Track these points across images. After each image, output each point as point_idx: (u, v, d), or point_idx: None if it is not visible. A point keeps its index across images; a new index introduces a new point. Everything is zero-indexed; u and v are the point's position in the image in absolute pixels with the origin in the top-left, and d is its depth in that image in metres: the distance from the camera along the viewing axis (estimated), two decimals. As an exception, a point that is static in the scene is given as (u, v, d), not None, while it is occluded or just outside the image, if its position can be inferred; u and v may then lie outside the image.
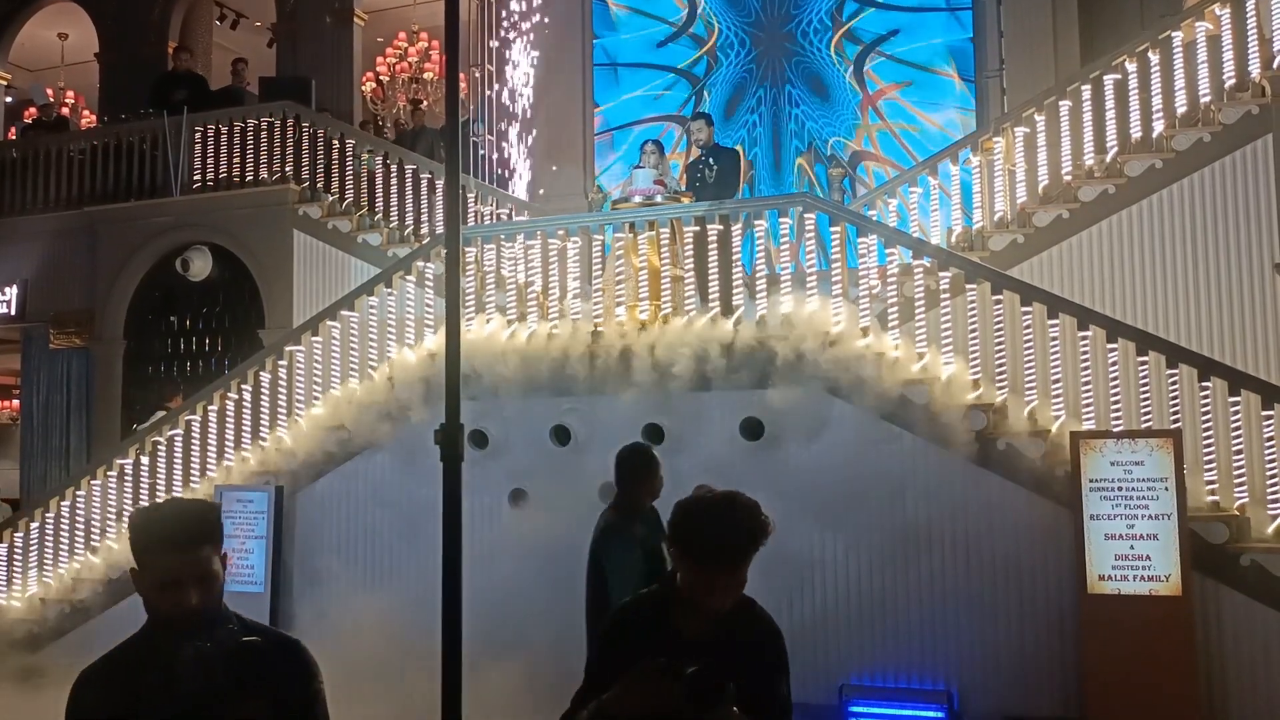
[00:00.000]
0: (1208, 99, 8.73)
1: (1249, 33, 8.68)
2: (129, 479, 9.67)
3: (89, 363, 12.52)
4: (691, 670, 2.49)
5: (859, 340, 7.63)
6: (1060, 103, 9.11)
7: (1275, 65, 8.53)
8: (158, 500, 9.10)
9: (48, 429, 12.66)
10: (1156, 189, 8.78)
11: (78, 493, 9.83)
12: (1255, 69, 8.64)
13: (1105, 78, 8.99)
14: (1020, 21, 11.50)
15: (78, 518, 9.80)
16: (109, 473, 9.75)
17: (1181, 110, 8.82)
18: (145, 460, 9.64)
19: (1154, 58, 8.86)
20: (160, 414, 10.70)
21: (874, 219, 9.02)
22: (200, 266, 11.93)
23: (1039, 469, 7.08)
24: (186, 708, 2.30)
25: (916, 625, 7.22)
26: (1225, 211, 8.62)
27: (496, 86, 12.59)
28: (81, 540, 9.77)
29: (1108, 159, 8.98)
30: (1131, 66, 8.95)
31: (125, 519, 9.56)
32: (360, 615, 7.60)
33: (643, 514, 5.44)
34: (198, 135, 12.18)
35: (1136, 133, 8.90)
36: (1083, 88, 9.05)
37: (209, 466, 9.47)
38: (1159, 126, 8.83)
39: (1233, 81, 8.71)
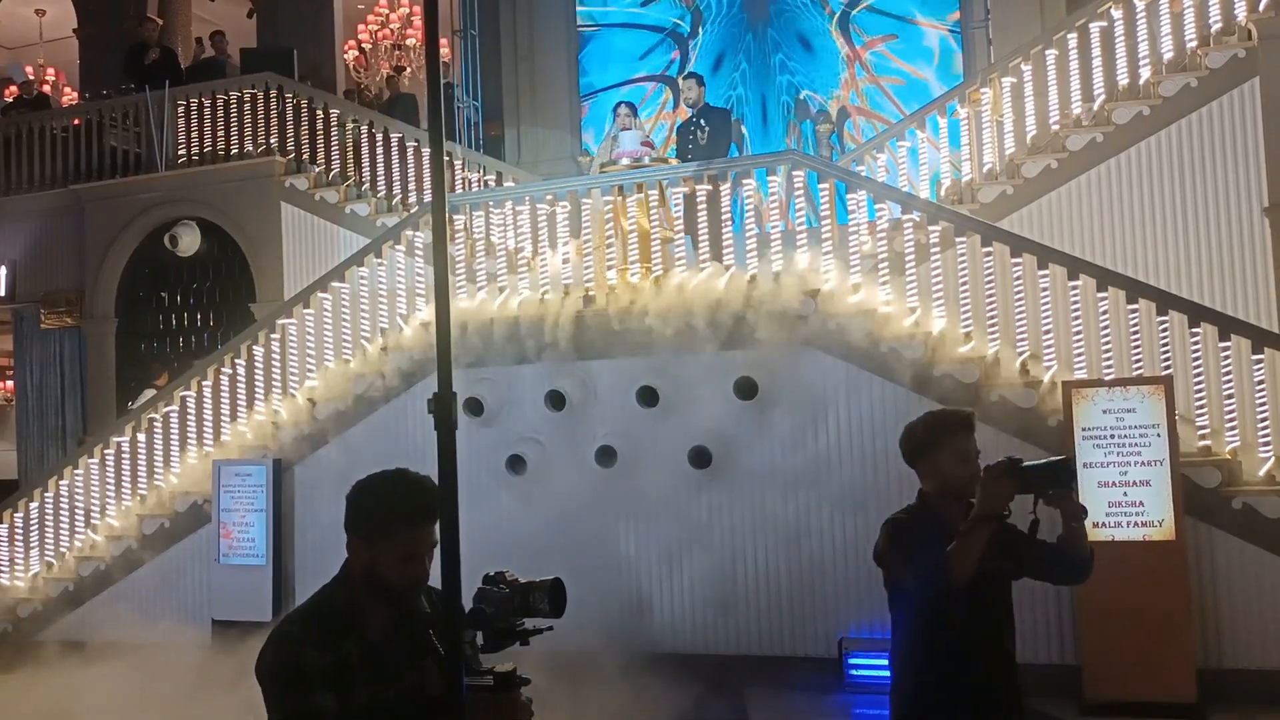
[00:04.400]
0: (1194, 44, 8.70)
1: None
2: (126, 457, 9.70)
3: (81, 342, 12.50)
4: (1054, 461, 3.29)
5: (850, 296, 7.65)
6: (1046, 52, 9.07)
7: (1261, 8, 8.49)
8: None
9: (43, 409, 12.66)
10: (1144, 136, 8.76)
11: (75, 472, 9.86)
12: (1241, 12, 8.60)
13: (1091, 25, 8.95)
14: (1005, -30, 11.40)
15: (77, 497, 9.84)
16: (106, 451, 9.77)
17: (1168, 56, 8.79)
18: (142, 438, 9.66)
19: (1139, 4, 8.81)
20: (149, 392, 10.70)
21: (863, 175, 9.00)
22: (189, 242, 11.88)
23: (1032, 419, 7.13)
24: (403, 669, 2.41)
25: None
26: (1213, 156, 8.62)
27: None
28: (82, 519, 9.80)
29: (1095, 107, 8.96)
30: (1117, 14, 8.90)
31: (129, 496, 9.60)
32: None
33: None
34: (180, 109, 12.09)
35: (1124, 80, 8.88)
36: (1069, 36, 9.01)
37: (205, 441, 9.49)
38: (1146, 73, 8.80)
39: (1219, 26, 8.67)
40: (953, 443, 3.46)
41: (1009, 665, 3.39)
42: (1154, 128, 8.74)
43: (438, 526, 2.18)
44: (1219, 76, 8.59)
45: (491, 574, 2.44)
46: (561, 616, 2.41)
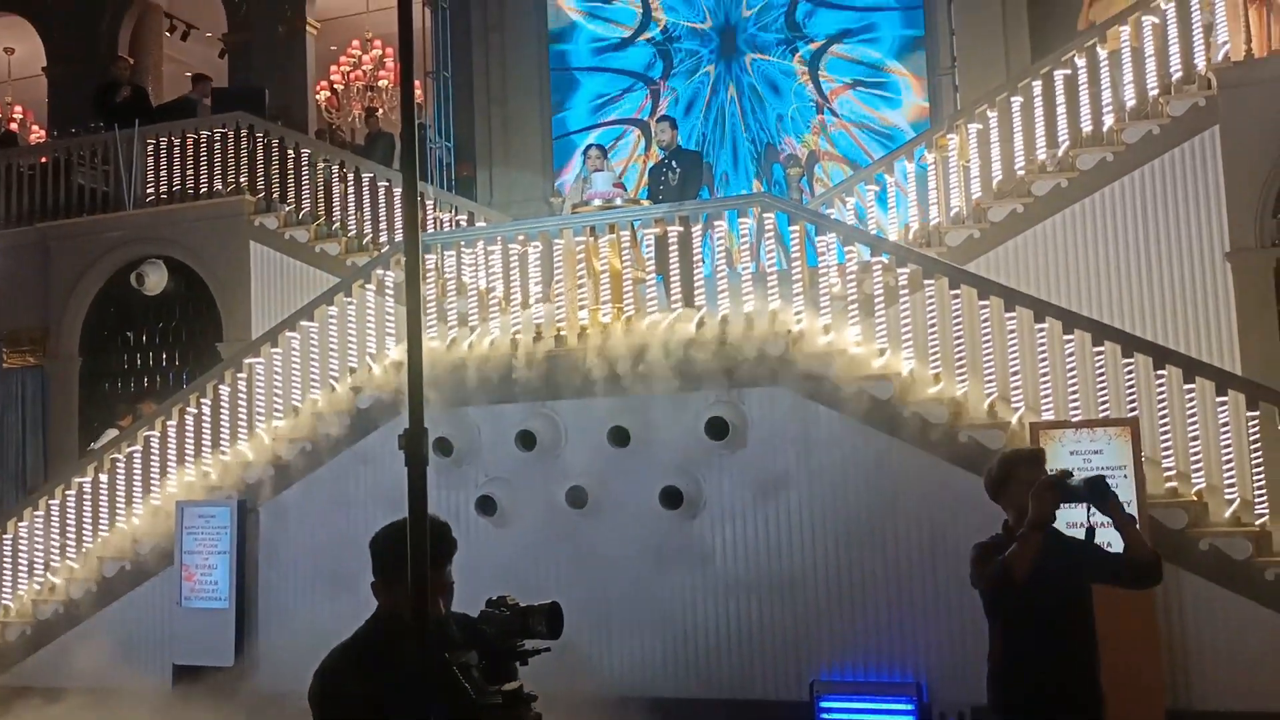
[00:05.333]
0: (1156, 92, 8.88)
1: (1194, 26, 8.83)
2: (88, 498, 9.54)
3: (44, 381, 12.31)
4: (1089, 477, 3.94)
5: (820, 338, 7.69)
6: (1012, 99, 9.22)
7: (1220, 58, 8.69)
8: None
9: (3, 450, 12.45)
10: (1108, 181, 8.90)
11: (35, 514, 9.68)
12: (1201, 62, 8.80)
13: (1055, 73, 9.11)
14: (971, 20, 11.62)
15: (36, 539, 9.65)
16: (67, 492, 9.61)
17: (1131, 104, 8.96)
18: (104, 478, 9.51)
19: (1102, 52, 8.99)
20: (112, 432, 10.56)
21: (832, 217, 9.08)
22: (155, 281, 11.77)
23: (1001, 461, 7.15)
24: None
25: (885, 619, 7.28)
26: (1176, 202, 8.76)
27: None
28: (41, 562, 9.61)
29: (1060, 153, 9.10)
30: (1081, 62, 9.07)
31: (90, 538, 9.43)
32: (328, 627, 7.53)
33: None
34: (149, 148, 12.03)
35: (1087, 127, 9.03)
36: (1033, 84, 9.17)
37: (169, 482, 9.35)
38: (1109, 120, 8.96)
39: (1179, 75, 8.86)
40: (1023, 477, 4.08)
41: (1081, 668, 4.00)
42: (1118, 173, 8.88)
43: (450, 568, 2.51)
44: (1181, 124, 8.76)
45: (493, 598, 2.66)
46: (559, 638, 2.61)
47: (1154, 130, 8.82)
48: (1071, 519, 4.12)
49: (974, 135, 9.31)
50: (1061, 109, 9.08)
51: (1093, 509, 3.91)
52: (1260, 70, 8.54)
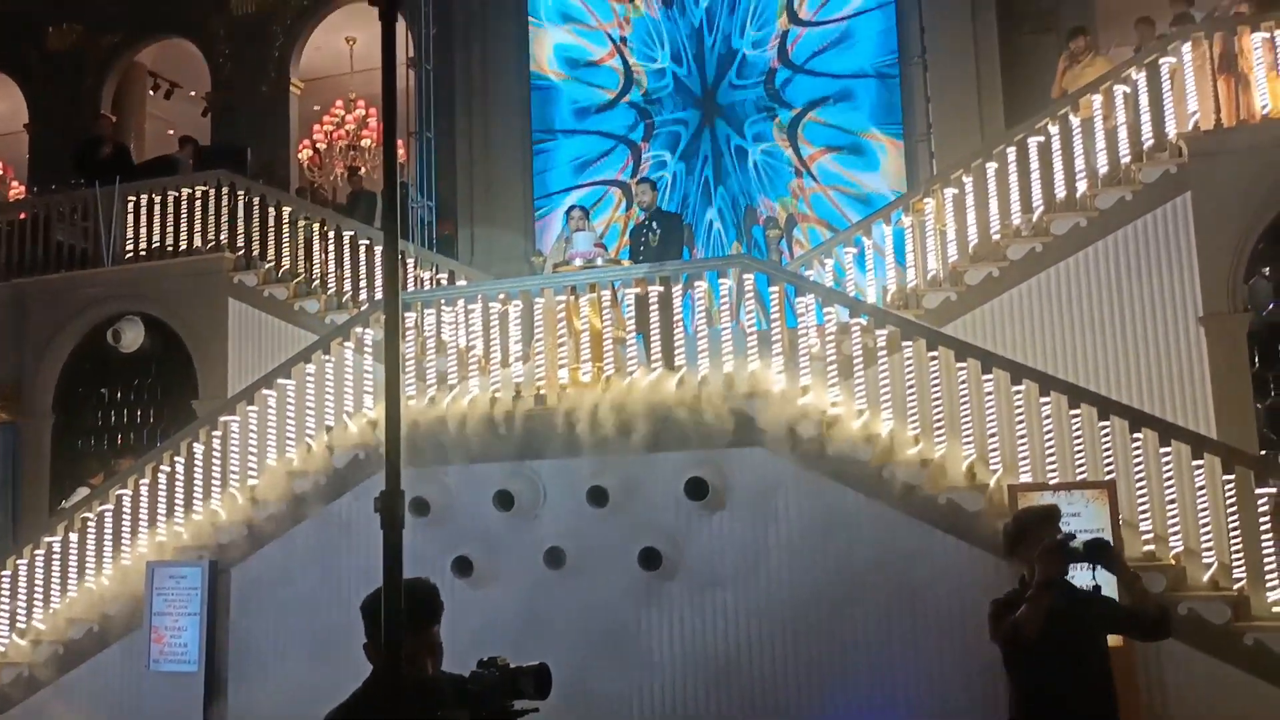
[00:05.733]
0: (1128, 159, 9.03)
1: (1165, 95, 9.02)
2: (57, 557, 9.38)
3: (16, 438, 12.17)
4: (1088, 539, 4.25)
5: (800, 398, 7.70)
6: (987, 164, 9.36)
7: (1191, 126, 8.86)
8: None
9: (-28, 507, 12.26)
10: (1082, 246, 9.02)
11: (3, 573, 9.50)
12: (1172, 130, 8.97)
13: (1029, 140, 9.27)
14: (946, 88, 11.83)
15: (3, 600, 9.45)
16: (36, 551, 9.45)
17: (1103, 171, 9.11)
18: (74, 537, 9.36)
19: (1074, 120, 9.16)
20: (83, 490, 10.42)
21: (811, 279, 9.15)
22: (132, 338, 11.71)
23: (979, 522, 7.15)
24: None
25: (866, 681, 7.20)
26: (1149, 267, 8.88)
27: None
28: (7, 623, 9.41)
29: (1034, 218, 9.22)
30: (1054, 129, 9.24)
31: (57, 599, 9.25)
32: (298, 692, 7.39)
33: None
34: (130, 205, 12.03)
35: (1061, 193, 9.16)
36: (1008, 150, 9.31)
37: (140, 541, 9.21)
38: (1082, 186, 9.09)
39: (1151, 142, 9.02)
40: (1036, 535, 4.31)
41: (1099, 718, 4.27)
42: (1092, 238, 9.01)
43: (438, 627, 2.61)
44: (1153, 191, 8.91)
45: (484, 659, 2.70)
46: (546, 699, 2.66)
47: (1127, 197, 8.96)
48: (1076, 580, 4.34)
49: (950, 200, 9.43)
50: (1036, 174, 9.22)
51: (1096, 568, 4.19)
52: (1229, 139, 8.72)
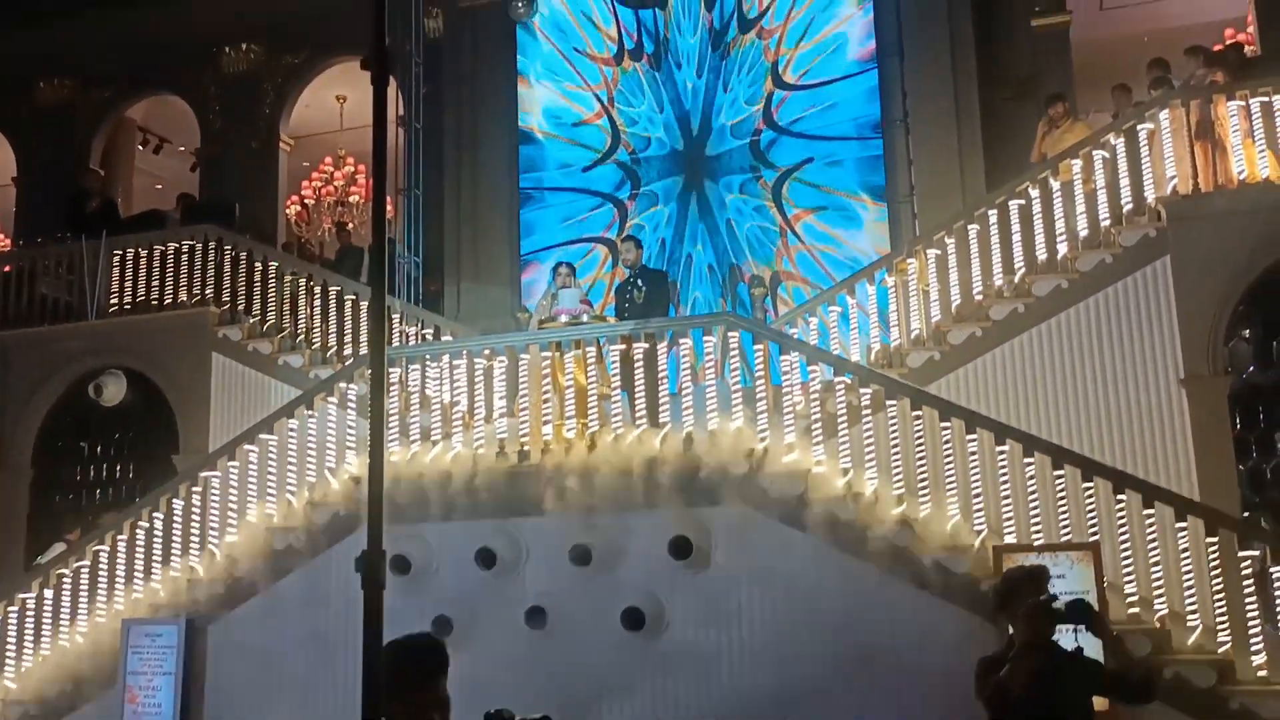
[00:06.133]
0: (1108, 223, 9.15)
1: (1143, 160, 9.16)
2: (30, 615, 9.22)
3: (-8, 491, 12.03)
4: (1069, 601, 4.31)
5: (784, 456, 7.69)
6: (969, 226, 9.46)
7: (1169, 191, 8.99)
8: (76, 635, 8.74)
9: (-55, 562, 12.06)
10: (1064, 308, 9.10)
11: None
12: (1151, 194, 9.10)
13: (1010, 203, 9.38)
14: (928, 150, 12.00)
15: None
16: (10, 609, 9.29)
17: (1084, 233, 9.22)
18: (49, 594, 9.21)
19: (1055, 184, 9.28)
20: (60, 545, 10.28)
21: (795, 337, 9.18)
22: (113, 392, 11.63)
23: (964, 584, 7.12)
24: None
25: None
26: (1130, 328, 8.95)
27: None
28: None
29: (1016, 279, 9.31)
30: (1034, 192, 9.36)
31: (30, 657, 9.10)
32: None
33: None
34: (117, 259, 12.01)
35: (1042, 255, 9.26)
36: (989, 212, 9.42)
37: (116, 599, 9.07)
38: (1063, 249, 9.19)
39: (1130, 206, 9.14)
40: (1025, 593, 4.39)
41: None
42: (1073, 300, 9.08)
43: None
44: (1132, 253, 9.01)
45: (492, 711, 2.86)
46: None
47: (1107, 259, 9.06)
48: (1061, 642, 4.39)
49: (933, 260, 9.51)
50: (1017, 236, 9.32)
51: (1079, 630, 4.24)
52: (1207, 204, 8.85)
